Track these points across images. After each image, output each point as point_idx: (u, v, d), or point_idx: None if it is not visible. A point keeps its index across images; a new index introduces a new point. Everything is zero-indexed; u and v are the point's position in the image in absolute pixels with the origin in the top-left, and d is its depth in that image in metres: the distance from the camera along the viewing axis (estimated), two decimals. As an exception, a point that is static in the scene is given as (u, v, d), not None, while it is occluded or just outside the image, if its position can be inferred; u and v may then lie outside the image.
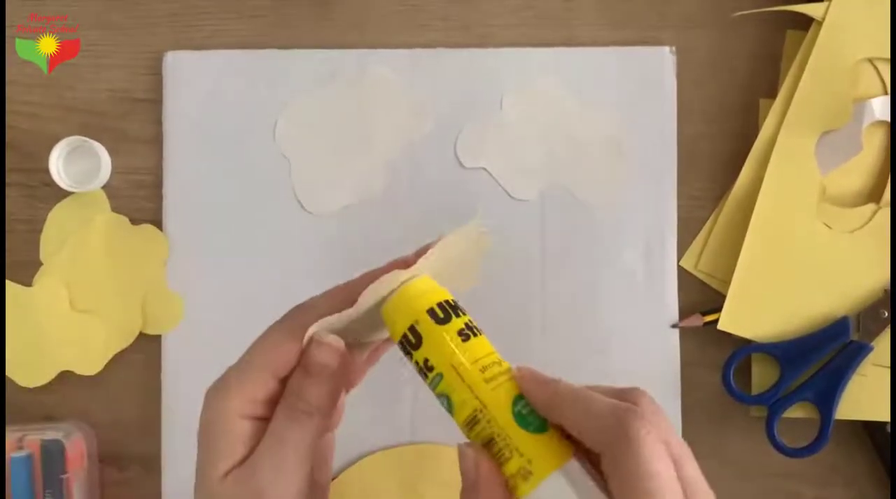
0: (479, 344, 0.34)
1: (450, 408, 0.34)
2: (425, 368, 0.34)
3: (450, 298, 0.35)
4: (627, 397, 0.33)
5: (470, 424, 0.33)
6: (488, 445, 0.32)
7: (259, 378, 0.35)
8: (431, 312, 0.34)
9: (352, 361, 0.38)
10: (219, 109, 0.58)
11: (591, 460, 0.32)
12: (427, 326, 0.34)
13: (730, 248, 0.56)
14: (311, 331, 0.35)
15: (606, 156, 0.58)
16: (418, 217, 0.58)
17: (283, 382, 0.36)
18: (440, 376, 0.34)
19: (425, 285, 0.35)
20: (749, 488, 0.57)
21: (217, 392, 0.35)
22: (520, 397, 0.33)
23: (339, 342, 0.35)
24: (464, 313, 0.35)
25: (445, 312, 0.34)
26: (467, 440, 0.34)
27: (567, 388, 0.33)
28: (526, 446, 0.32)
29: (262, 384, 0.35)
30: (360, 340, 0.38)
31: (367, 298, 0.35)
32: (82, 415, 0.58)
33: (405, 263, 0.36)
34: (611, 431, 0.30)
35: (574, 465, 0.31)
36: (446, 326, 0.34)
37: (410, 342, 0.34)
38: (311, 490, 0.35)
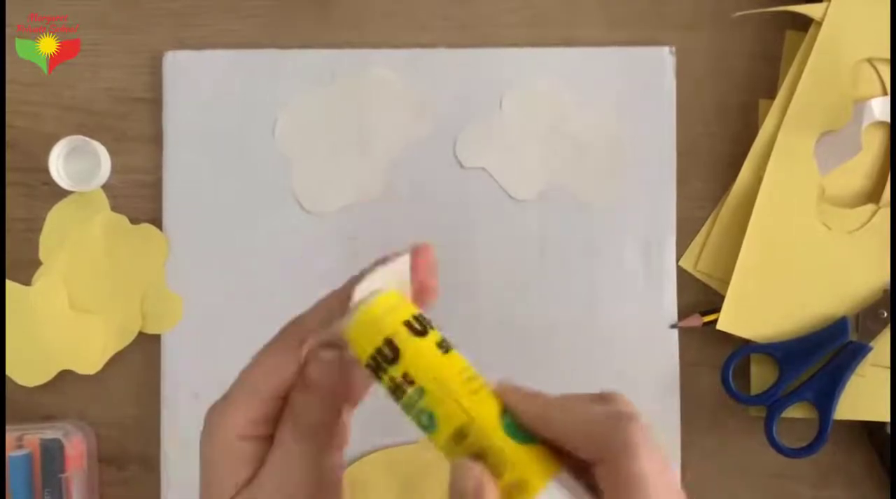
0: (457, 357, 0.33)
1: (430, 424, 0.32)
2: (404, 383, 0.32)
3: (419, 311, 0.34)
4: (609, 401, 0.32)
5: (457, 438, 0.32)
6: (478, 459, 0.31)
7: (258, 398, 0.34)
8: (408, 324, 0.33)
9: (354, 376, 0.38)
10: (218, 109, 0.58)
11: (576, 469, 0.32)
12: (405, 339, 0.33)
13: (729, 248, 0.56)
14: (307, 346, 0.34)
15: (606, 156, 0.58)
16: (418, 217, 0.58)
17: (284, 399, 0.35)
18: (421, 390, 0.32)
19: (396, 299, 0.34)
20: (748, 488, 0.57)
21: (217, 413, 0.35)
22: (505, 410, 0.32)
23: (335, 356, 0.34)
24: (435, 327, 0.34)
25: (421, 324, 0.33)
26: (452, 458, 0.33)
27: (553, 398, 0.32)
28: (519, 458, 0.31)
29: (261, 404, 0.34)
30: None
31: (356, 303, 0.34)
32: (81, 414, 0.58)
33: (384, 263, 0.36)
34: (607, 438, 0.30)
35: (565, 474, 0.31)
36: (426, 339, 0.33)
37: (386, 357, 0.33)
38: None
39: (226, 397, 0.35)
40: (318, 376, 0.34)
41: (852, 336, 0.54)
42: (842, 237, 0.56)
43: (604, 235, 0.57)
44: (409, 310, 0.34)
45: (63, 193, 0.57)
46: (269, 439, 0.35)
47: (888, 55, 0.55)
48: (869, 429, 0.56)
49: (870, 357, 0.54)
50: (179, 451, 0.56)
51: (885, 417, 0.55)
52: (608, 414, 0.31)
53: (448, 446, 0.32)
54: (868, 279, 0.55)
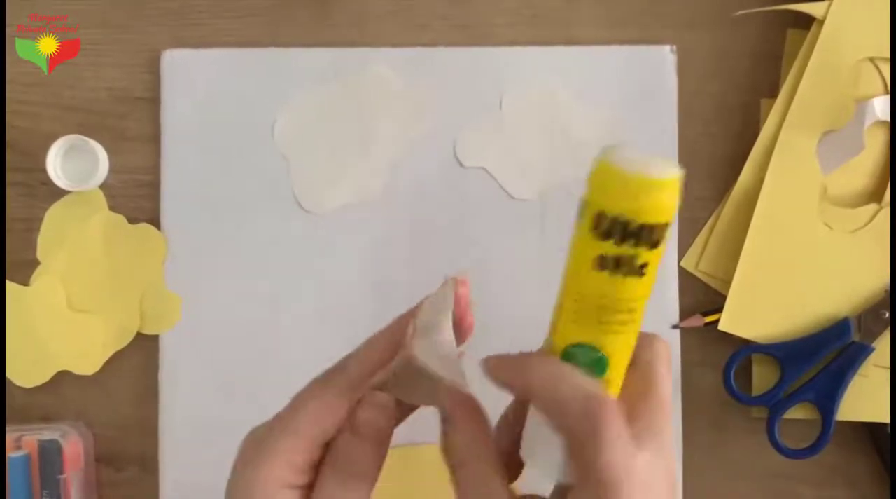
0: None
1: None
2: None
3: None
4: (645, 345, 0.33)
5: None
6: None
7: (304, 443, 0.33)
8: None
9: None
10: (217, 108, 0.58)
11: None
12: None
13: (730, 248, 0.56)
14: (364, 387, 0.33)
15: (606, 156, 0.57)
16: (418, 217, 0.57)
17: (325, 448, 0.33)
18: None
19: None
20: (749, 489, 0.57)
21: (254, 459, 0.32)
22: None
23: (390, 401, 0.33)
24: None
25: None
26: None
27: (539, 365, 0.32)
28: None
29: (307, 450, 0.33)
30: (409, 398, 0.35)
31: (410, 343, 0.32)
32: (80, 415, 0.57)
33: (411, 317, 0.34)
34: (578, 422, 0.30)
35: None
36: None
37: (650, 238, 0.30)
38: None
39: (263, 441, 0.33)
40: (370, 422, 0.33)
41: (854, 337, 0.54)
42: (844, 237, 0.56)
43: (604, 235, 0.57)
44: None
45: (61, 193, 0.57)
46: (307, 491, 0.33)
47: (889, 54, 0.55)
48: (871, 430, 0.56)
49: (872, 358, 0.54)
50: (178, 452, 0.56)
51: (887, 418, 0.54)
52: (586, 398, 0.30)
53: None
54: (870, 279, 0.55)
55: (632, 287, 0.31)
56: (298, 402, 0.34)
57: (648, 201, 0.29)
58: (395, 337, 0.34)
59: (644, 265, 0.30)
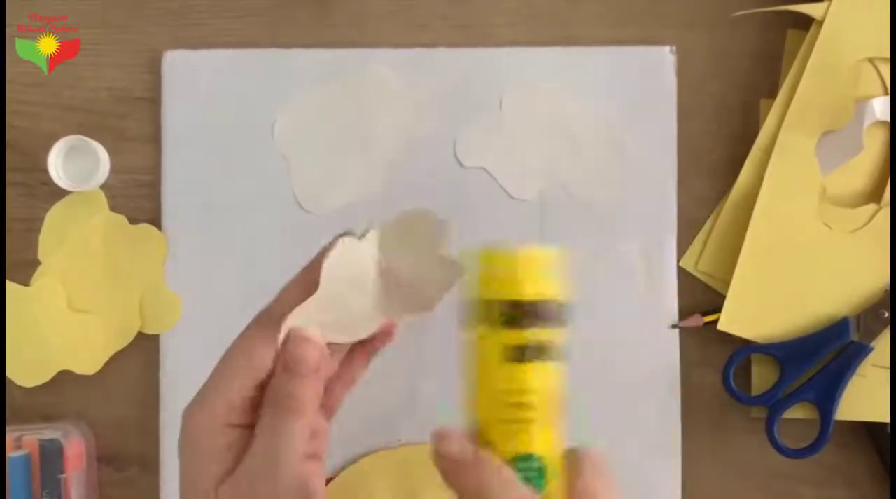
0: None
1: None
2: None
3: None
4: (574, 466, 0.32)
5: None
6: None
7: (238, 384, 0.35)
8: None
9: (350, 359, 0.38)
10: (218, 109, 0.58)
11: None
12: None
13: (730, 248, 0.56)
14: (285, 327, 0.34)
15: (606, 156, 0.58)
16: (418, 217, 0.57)
17: (262, 388, 0.35)
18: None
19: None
20: (749, 489, 0.57)
21: (195, 406, 0.35)
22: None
23: (315, 334, 0.35)
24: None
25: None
26: None
27: (490, 473, 0.31)
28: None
29: (241, 390, 0.35)
30: (345, 335, 0.37)
31: (326, 274, 0.34)
32: (80, 415, 0.57)
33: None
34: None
35: None
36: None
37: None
38: (306, 495, 0.34)
39: (203, 390, 0.35)
40: (298, 356, 0.34)
41: (853, 336, 0.54)
42: (843, 237, 0.56)
43: (604, 235, 0.57)
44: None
45: (62, 193, 0.57)
46: (248, 429, 0.34)
47: (889, 55, 0.55)
48: (870, 429, 0.56)
49: (871, 357, 0.54)
50: (178, 451, 0.56)
51: (886, 417, 0.55)
52: None
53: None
54: (869, 279, 0.55)
55: (540, 374, 0.30)
56: (231, 348, 0.36)
57: (526, 278, 0.30)
58: (314, 275, 0.35)
59: (546, 348, 0.30)
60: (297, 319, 0.34)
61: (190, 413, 0.35)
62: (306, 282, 0.36)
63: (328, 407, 0.39)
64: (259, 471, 0.33)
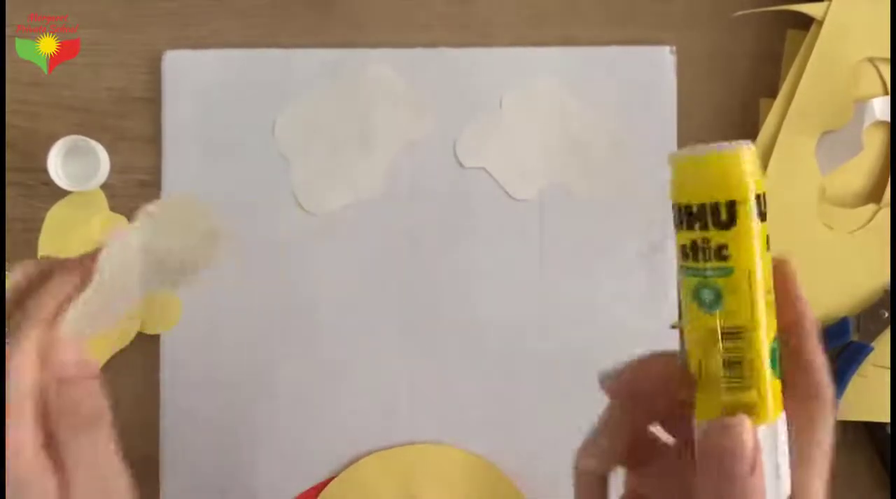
0: (769, 261, 0.31)
1: (709, 305, 0.30)
2: (714, 255, 0.29)
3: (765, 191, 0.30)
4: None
5: (728, 336, 0.30)
6: (729, 365, 0.30)
7: (16, 394, 0.34)
8: (759, 200, 0.29)
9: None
10: (218, 109, 0.58)
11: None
12: (747, 214, 0.29)
13: (730, 248, 0.56)
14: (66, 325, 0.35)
15: (606, 156, 0.58)
16: (418, 217, 0.57)
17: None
18: (730, 271, 0.29)
19: (755, 165, 0.30)
20: (749, 489, 0.57)
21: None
22: (776, 337, 0.30)
23: (79, 337, 0.35)
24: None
25: (763, 208, 0.30)
26: (688, 347, 0.32)
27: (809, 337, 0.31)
28: (766, 386, 0.30)
29: (22, 399, 0.34)
30: (111, 319, 0.38)
31: (104, 264, 0.35)
32: (80, 415, 0.57)
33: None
34: (815, 400, 0.31)
35: (784, 416, 0.30)
36: (763, 225, 0.29)
37: (716, 219, 0.29)
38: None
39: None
40: (65, 358, 0.34)
41: (853, 336, 0.54)
42: (843, 237, 0.56)
43: (604, 235, 0.57)
44: (762, 185, 0.30)
45: (62, 193, 0.57)
46: (49, 447, 0.34)
47: (889, 55, 0.55)
48: (870, 429, 0.56)
49: (871, 358, 0.54)
50: (178, 452, 0.56)
51: (886, 417, 0.55)
52: (825, 384, 0.31)
53: (706, 336, 0.30)
54: (869, 279, 0.55)
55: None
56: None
57: (698, 180, 0.30)
58: (87, 266, 0.35)
59: (722, 247, 0.29)
60: (73, 313, 0.35)
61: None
62: (81, 273, 0.35)
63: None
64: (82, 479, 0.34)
